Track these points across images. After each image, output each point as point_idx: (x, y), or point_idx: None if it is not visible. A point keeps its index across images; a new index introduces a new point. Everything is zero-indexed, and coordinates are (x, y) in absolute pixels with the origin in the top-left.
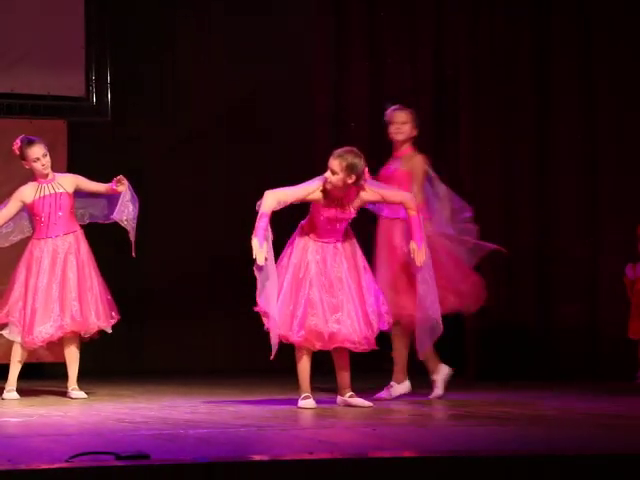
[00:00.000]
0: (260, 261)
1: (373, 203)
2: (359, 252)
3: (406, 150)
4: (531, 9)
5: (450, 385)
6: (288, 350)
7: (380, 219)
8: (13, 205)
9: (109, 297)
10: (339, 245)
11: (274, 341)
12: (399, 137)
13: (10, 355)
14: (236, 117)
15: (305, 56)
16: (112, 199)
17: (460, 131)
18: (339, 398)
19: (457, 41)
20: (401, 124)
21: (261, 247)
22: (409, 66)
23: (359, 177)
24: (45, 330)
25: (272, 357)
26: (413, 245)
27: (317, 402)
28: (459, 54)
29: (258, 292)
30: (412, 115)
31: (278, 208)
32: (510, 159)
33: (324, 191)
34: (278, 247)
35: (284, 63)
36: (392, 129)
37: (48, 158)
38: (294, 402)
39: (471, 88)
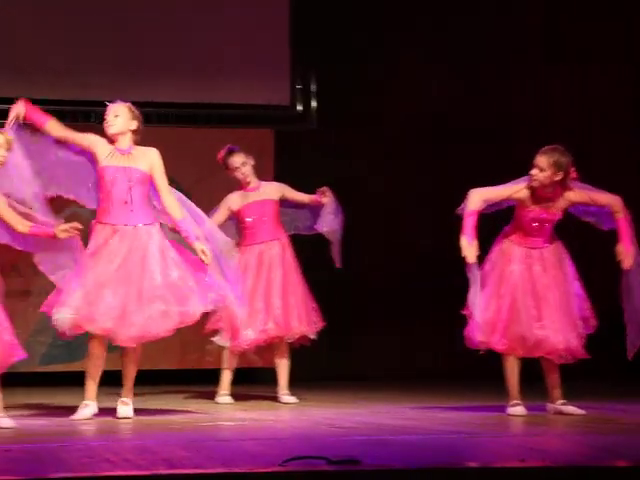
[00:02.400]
0: (470, 259)
1: (580, 204)
2: (566, 257)
3: (130, 146)
4: None
5: None
6: (494, 355)
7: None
8: (221, 213)
9: (313, 304)
10: (545, 251)
11: (475, 346)
12: (110, 130)
13: (222, 361)
14: (441, 122)
15: (506, 56)
16: (315, 210)
17: None
18: (550, 405)
19: None
20: (113, 117)
21: (470, 245)
22: (614, 67)
23: (566, 175)
24: (249, 334)
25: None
26: (620, 247)
27: (527, 409)
28: None
29: (469, 294)
30: (128, 109)
31: (483, 207)
32: None
33: (530, 190)
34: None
35: (487, 63)
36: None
37: (248, 167)
38: (503, 409)
39: None
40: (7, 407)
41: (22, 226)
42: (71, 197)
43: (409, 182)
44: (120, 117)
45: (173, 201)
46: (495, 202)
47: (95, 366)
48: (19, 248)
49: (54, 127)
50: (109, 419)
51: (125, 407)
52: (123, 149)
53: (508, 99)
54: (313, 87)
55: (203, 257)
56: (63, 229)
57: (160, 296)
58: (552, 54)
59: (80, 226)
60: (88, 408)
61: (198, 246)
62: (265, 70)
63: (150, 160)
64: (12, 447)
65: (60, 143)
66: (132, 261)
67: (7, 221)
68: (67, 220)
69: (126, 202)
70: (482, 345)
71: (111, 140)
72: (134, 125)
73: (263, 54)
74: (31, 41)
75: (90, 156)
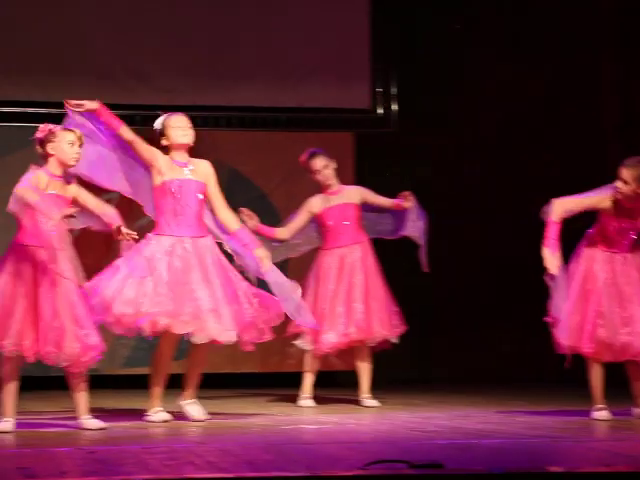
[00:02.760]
0: (552, 270)
1: None
2: None
3: (188, 159)
4: None
5: None
6: (578, 360)
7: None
8: (302, 216)
9: (394, 308)
10: (628, 255)
11: (564, 351)
12: (189, 140)
13: (303, 364)
14: (522, 124)
15: (591, 56)
16: (397, 214)
17: None
18: (635, 410)
19: None
20: (189, 128)
21: (552, 256)
22: None
23: None
24: (331, 337)
25: (566, 365)
26: None
27: (612, 413)
28: None
29: (551, 302)
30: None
31: (566, 217)
32: None
33: (614, 201)
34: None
35: (569, 65)
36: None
37: (330, 170)
38: (586, 413)
39: None
40: (92, 409)
41: (106, 208)
42: (133, 197)
43: (490, 183)
44: (192, 129)
45: (229, 213)
46: (578, 212)
47: (166, 369)
48: (96, 228)
49: (126, 131)
50: (186, 422)
51: (199, 407)
52: (182, 162)
53: (593, 99)
54: (393, 90)
55: (264, 262)
56: (119, 230)
57: (248, 300)
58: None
59: (136, 237)
60: (163, 412)
61: (260, 252)
62: (345, 73)
63: (205, 172)
64: (96, 449)
65: (123, 147)
66: (212, 272)
67: (92, 208)
68: (142, 229)
69: (188, 214)
70: (571, 350)
71: (165, 152)
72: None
73: (344, 58)
74: (105, 45)
75: (146, 167)
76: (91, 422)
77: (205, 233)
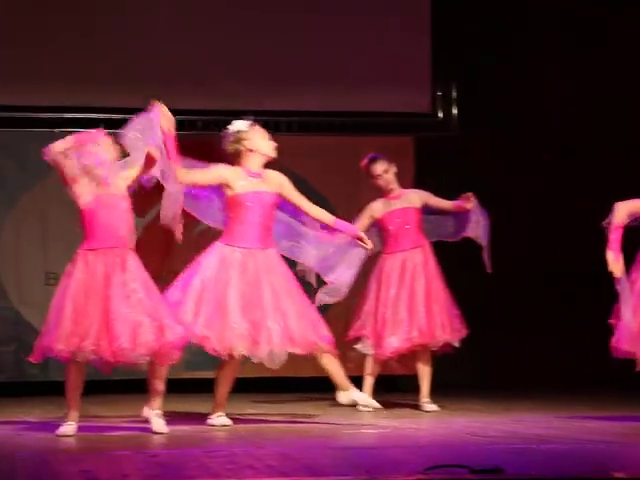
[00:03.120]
0: (617, 274)
1: None
2: None
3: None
4: None
5: None
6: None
7: None
8: (364, 221)
9: (456, 311)
10: None
11: (621, 356)
12: (275, 154)
13: (363, 368)
14: (586, 130)
15: None
16: (459, 216)
17: None
18: None
19: None
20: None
21: (616, 260)
22: None
23: None
24: (393, 342)
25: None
26: None
27: None
28: None
29: (621, 305)
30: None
31: (630, 220)
32: None
33: None
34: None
35: (629, 74)
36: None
37: (390, 175)
38: None
39: None
40: None
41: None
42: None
43: (550, 186)
44: None
45: (319, 209)
46: None
47: (233, 375)
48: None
49: (184, 174)
50: (243, 426)
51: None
52: (255, 172)
53: None
54: (454, 94)
55: (366, 244)
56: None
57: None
58: None
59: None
60: (224, 417)
61: (361, 234)
62: (406, 77)
63: (277, 182)
64: (158, 452)
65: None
66: (281, 285)
67: (136, 176)
68: (199, 236)
69: (260, 226)
70: (629, 355)
71: (235, 163)
72: None
73: (404, 62)
74: (166, 50)
75: (217, 185)
76: (158, 422)
77: (272, 245)
